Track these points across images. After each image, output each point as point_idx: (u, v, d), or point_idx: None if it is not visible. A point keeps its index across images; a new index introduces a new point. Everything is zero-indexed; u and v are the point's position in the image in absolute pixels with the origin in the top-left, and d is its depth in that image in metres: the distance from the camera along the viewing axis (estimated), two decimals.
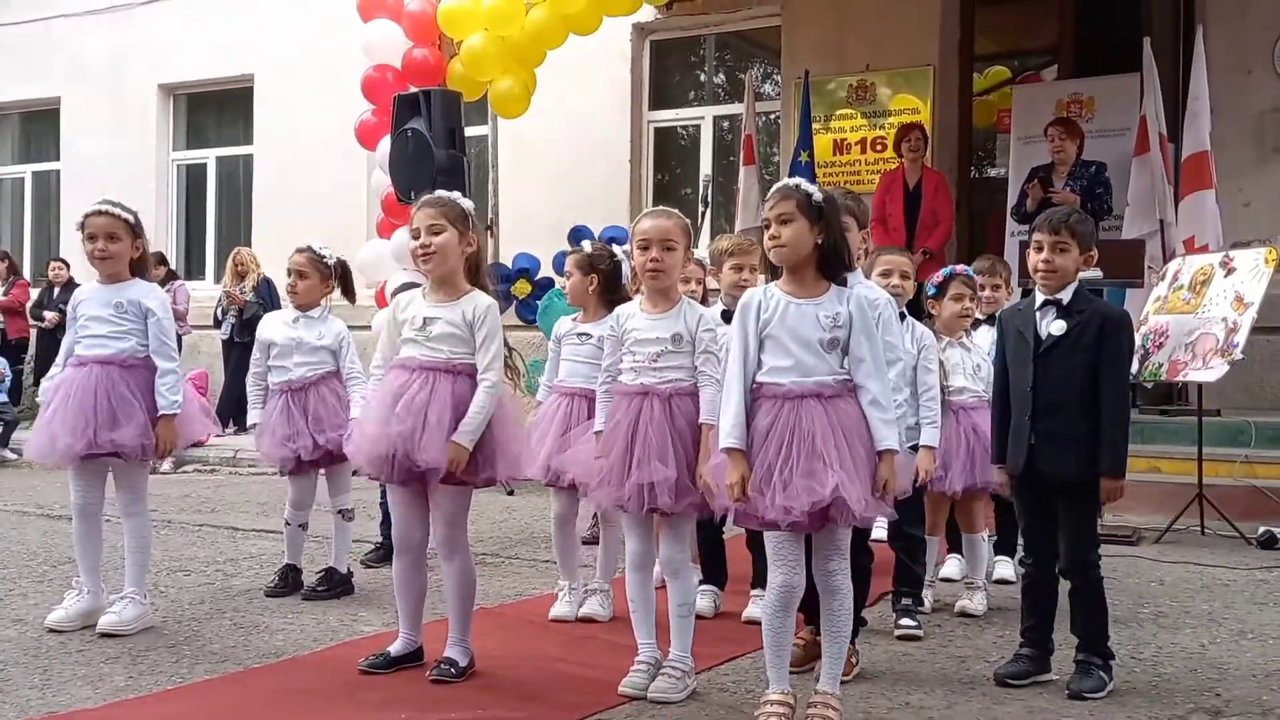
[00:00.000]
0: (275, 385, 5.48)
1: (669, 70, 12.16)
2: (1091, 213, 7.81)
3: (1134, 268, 7.50)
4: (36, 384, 12.43)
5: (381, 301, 8.95)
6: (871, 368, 3.51)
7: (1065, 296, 4.08)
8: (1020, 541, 4.58)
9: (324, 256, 5.55)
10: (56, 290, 12.58)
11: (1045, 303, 4.11)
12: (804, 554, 3.60)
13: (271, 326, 5.61)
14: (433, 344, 4.03)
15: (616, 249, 5.03)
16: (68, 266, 12.69)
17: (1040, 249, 4.10)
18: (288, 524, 5.60)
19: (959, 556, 5.56)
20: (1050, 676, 4.11)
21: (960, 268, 5.22)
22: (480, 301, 4.09)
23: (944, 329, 5.12)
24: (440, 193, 4.19)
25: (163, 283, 11.86)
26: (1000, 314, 4.37)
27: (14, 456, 10.81)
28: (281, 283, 5.88)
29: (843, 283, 3.60)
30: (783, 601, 3.59)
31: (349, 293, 5.71)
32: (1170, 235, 8.49)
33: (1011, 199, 9.33)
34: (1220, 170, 8.39)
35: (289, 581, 5.49)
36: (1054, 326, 4.06)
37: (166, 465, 10.11)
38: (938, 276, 5.26)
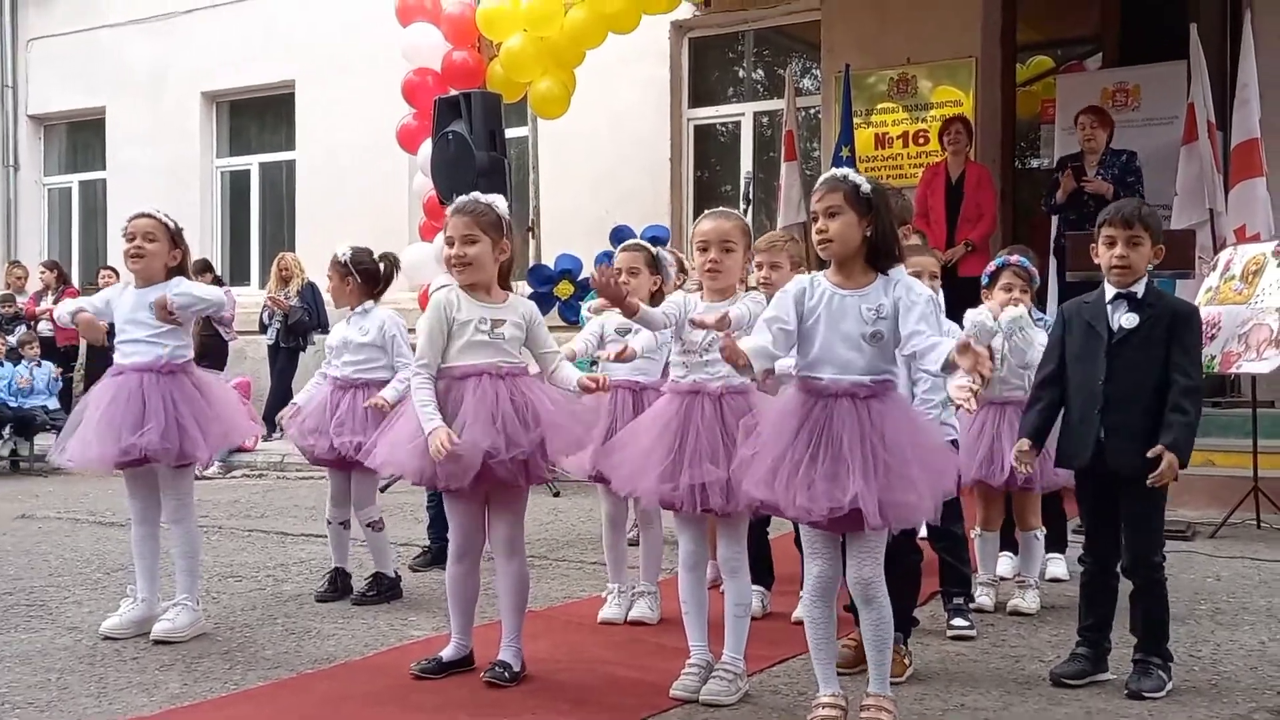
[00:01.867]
0: (324, 380, 5.54)
1: (708, 67, 12.13)
2: None
3: (1184, 258, 7.37)
4: (85, 391, 12.61)
5: (425, 304, 8.99)
6: (926, 326, 3.40)
7: (1139, 290, 4.02)
8: (1073, 539, 4.51)
9: (340, 257, 5.54)
10: None
11: (1117, 296, 4.03)
12: (840, 545, 3.56)
13: (334, 329, 5.69)
14: (508, 346, 4.06)
15: (664, 253, 5.05)
16: (117, 275, 12.81)
17: (1113, 243, 4.02)
18: (329, 523, 5.63)
19: (1010, 554, 5.50)
20: (1107, 676, 4.05)
21: (1014, 258, 5.14)
22: (527, 303, 4.21)
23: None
24: (476, 196, 4.16)
25: None
26: (1063, 307, 4.28)
27: (70, 464, 10.91)
28: (326, 287, 5.89)
29: (886, 273, 3.55)
30: (820, 590, 3.56)
31: (384, 287, 5.65)
32: (1220, 224, 8.37)
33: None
34: (1270, 157, 8.24)
35: (338, 586, 5.51)
36: (1126, 320, 3.99)
37: (214, 470, 10.18)
38: (991, 267, 5.21)
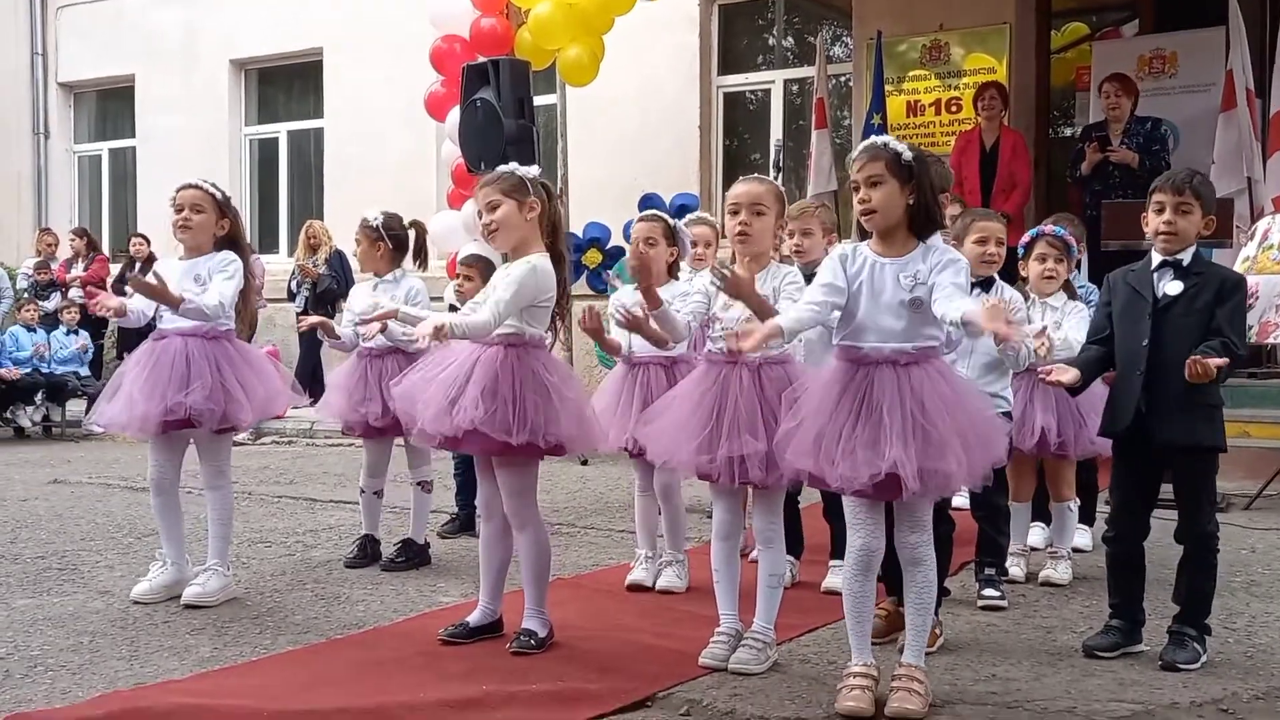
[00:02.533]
0: (360, 350, 5.52)
1: (737, 34, 12.02)
2: (1150, 170, 7.63)
3: (1222, 227, 7.27)
4: (119, 358, 12.68)
5: (453, 273, 8.97)
6: (954, 287, 3.38)
7: (1185, 258, 3.95)
8: (1101, 511, 4.46)
9: (371, 221, 5.54)
10: (138, 265, 12.77)
11: (1163, 263, 3.97)
12: (884, 518, 3.55)
13: (356, 294, 5.70)
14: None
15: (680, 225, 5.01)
16: (148, 242, 12.87)
17: (1162, 210, 3.95)
18: (363, 492, 5.64)
19: (1042, 525, 5.46)
20: (1141, 647, 4.01)
21: (1049, 228, 5.06)
22: (522, 261, 4.02)
23: (1033, 290, 5.02)
24: (498, 169, 4.15)
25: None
26: (1109, 276, 4.20)
27: (99, 430, 11.01)
28: (354, 254, 5.89)
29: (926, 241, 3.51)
30: (862, 564, 3.54)
31: (417, 255, 5.64)
32: (1258, 193, 8.27)
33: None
34: None
35: (368, 552, 5.53)
36: (1171, 286, 3.93)
37: (244, 435, 10.23)
38: (1026, 237, 5.14)
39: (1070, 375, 3.94)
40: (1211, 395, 3.92)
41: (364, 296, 5.58)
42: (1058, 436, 4.89)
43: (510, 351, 3.97)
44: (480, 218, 4.10)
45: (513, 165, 4.15)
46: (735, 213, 3.94)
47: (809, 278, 3.84)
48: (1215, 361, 3.71)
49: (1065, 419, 4.89)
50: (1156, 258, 4.00)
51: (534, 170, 4.13)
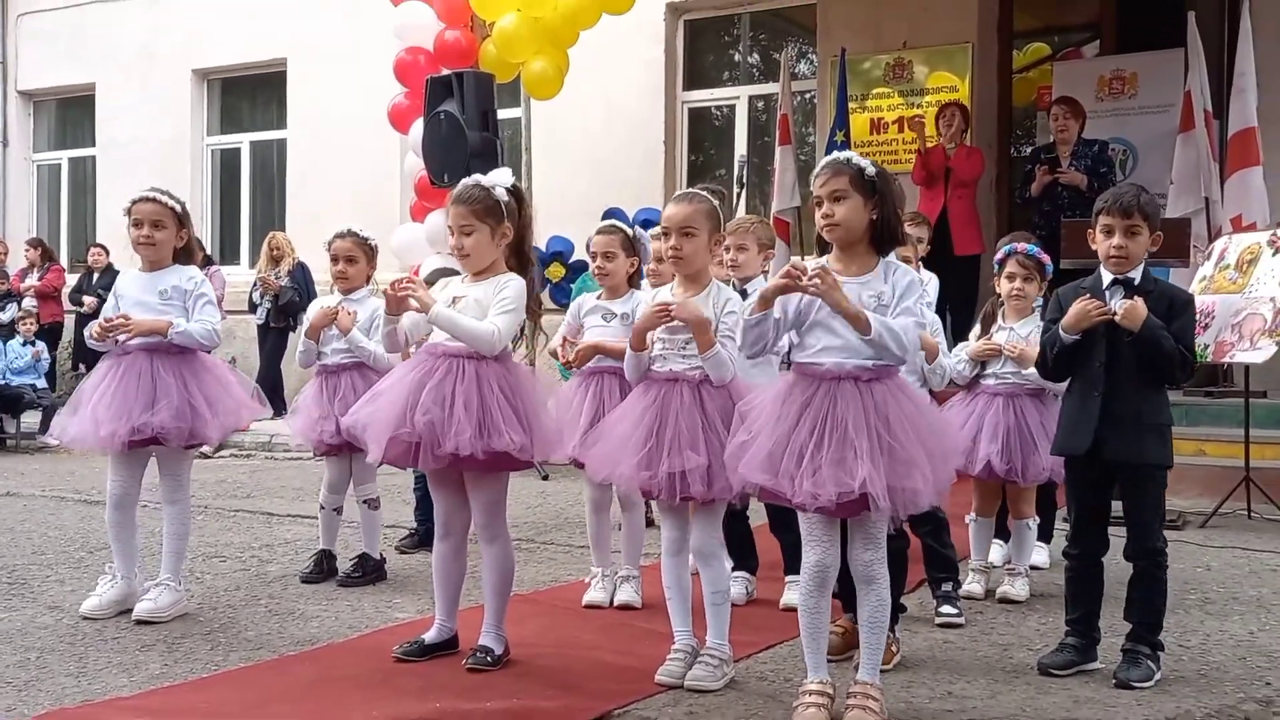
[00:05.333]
0: (317, 368, 5.48)
1: (703, 50, 12.05)
2: (1099, 191, 7.69)
3: (1179, 247, 7.35)
4: (75, 369, 12.54)
5: None
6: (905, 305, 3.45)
7: (1135, 276, 3.98)
8: (1059, 528, 4.48)
9: (368, 239, 5.55)
10: (96, 275, 12.66)
11: (1114, 281, 4.00)
12: (839, 533, 3.54)
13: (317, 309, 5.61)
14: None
15: (641, 232, 5.00)
16: (107, 252, 12.75)
17: (1111, 233, 3.98)
18: (322, 508, 5.59)
19: (1000, 542, 5.48)
20: (1096, 665, 4.03)
21: (1021, 246, 5.04)
22: (509, 279, 4.03)
23: (1004, 308, 5.04)
24: (477, 180, 4.08)
25: (199, 268, 11.91)
26: (1059, 291, 4.22)
27: (54, 442, 10.86)
28: (316, 267, 5.84)
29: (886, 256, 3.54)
30: (817, 581, 3.54)
31: None
32: (1216, 214, 8.35)
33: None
34: (1266, 146, 8.22)
35: (324, 568, 5.47)
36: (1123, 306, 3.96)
37: (208, 448, 10.10)
38: (1000, 253, 5.12)
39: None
40: (1163, 414, 3.97)
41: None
42: (1004, 464, 4.87)
43: (495, 365, 3.96)
44: (451, 235, 4.06)
45: (494, 179, 4.08)
46: (667, 236, 3.95)
47: (744, 294, 3.86)
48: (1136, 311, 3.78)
49: (1013, 447, 4.88)
50: (1107, 276, 4.03)
51: (507, 178, 4.09)
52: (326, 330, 5.40)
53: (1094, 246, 4.06)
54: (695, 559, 4.00)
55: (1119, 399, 3.91)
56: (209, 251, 12.97)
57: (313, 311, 5.57)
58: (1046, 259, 5.06)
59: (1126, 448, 3.90)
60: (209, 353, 4.88)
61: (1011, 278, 5.00)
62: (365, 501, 5.55)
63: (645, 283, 5.01)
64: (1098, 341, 3.97)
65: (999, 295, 5.08)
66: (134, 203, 4.77)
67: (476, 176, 4.12)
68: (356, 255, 5.49)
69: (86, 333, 4.82)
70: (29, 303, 12.50)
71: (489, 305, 3.97)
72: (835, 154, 3.61)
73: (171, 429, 4.59)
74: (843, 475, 3.30)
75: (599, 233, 4.95)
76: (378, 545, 5.55)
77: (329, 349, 5.43)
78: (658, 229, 5.77)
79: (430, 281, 5.39)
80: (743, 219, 4.96)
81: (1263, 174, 8.14)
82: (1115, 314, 3.88)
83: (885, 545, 3.54)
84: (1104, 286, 4.02)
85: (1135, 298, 3.86)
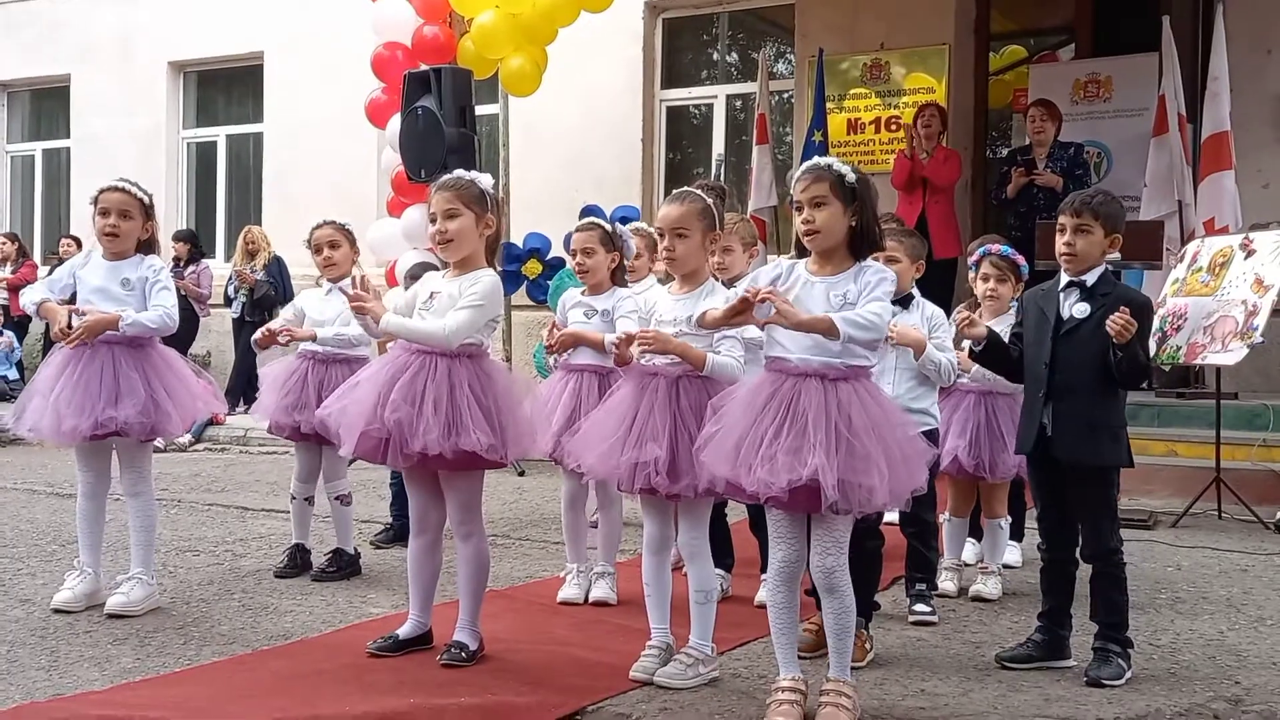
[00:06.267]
0: (300, 352, 5.45)
1: (681, 49, 12.06)
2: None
3: (1152, 249, 7.43)
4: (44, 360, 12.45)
5: (392, 281, 8.90)
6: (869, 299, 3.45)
7: (1090, 279, 4.01)
8: (1030, 526, 4.52)
9: (347, 225, 5.57)
10: None
11: (1069, 284, 4.04)
12: (805, 532, 3.55)
13: (309, 299, 5.61)
14: (435, 317, 3.97)
15: (621, 227, 4.99)
16: (78, 244, 12.64)
17: (1063, 231, 4.02)
18: (294, 498, 5.58)
19: (973, 540, 5.51)
20: (1068, 663, 4.05)
21: (995, 247, 5.07)
22: (483, 275, 4.01)
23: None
24: (459, 173, 4.09)
25: (188, 262, 11.86)
26: (1024, 294, 4.28)
27: (34, 436, 10.79)
28: (292, 261, 5.83)
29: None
30: (784, 576, 3.56)
31: None
32: (1189, 216, 8.41)
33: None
34: (1239, 151, 8.29)
35: (297, 562, 5.46)
36: (1077, 309, 3.99)
37: (185, 439, 10.05)
38: (975, 255, 5.16)
39: (980, 330, 4.06)
40: (1115, 417, 4.00)
41: (316, 303, 5.52)
42: (972, 460, 4.92)
43: (468, 363, 3.95)
44: (434, 222, 4.02)
45: (473, 174, 4.09)
46: (661, 237, 3.97)
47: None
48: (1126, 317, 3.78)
49: (981, 443, 4.93)
50: (1064, 278, 4.07)
51: (489, 180, 4.10)
52: (320, 317, 5.43)
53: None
54: (683, 555, 4.02)
55: (1066, 400, 3.95)
56: (199, 245, 12.80)
57: (304, 299, 5.58)
58: (1021, 259, 5.09)
59: (1075, 448, 3.94)
60: (165, 339, 4.81)
61: (986, 278, 5.04)
62: (337, 498, 5.52)
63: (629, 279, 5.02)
64: (1044, 341, 4.01)
65: (975, 296, 5.12)
66: (101, 192, 4.74)
67: (458, 171, 4.13)
68: (339, 240, 5.50)
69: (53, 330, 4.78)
70: None
71: (459, 299, 3.97)
72: (816, 159, 3.62)
73: (135, 423, 4.58)
74: (795, 463, 3.30)
75: (578, 229, 4.96)
76: (351, 540, 5.53)
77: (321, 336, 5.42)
78: (633, 225, 5.81)
79: (415, 275, 5.42)
80: (726, 219, 4.98)
81: (1235, 178, 8.21)
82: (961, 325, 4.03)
83: (847, 552, 3.52)
84: (1060, 289, 4.06)
85: (1124, 309, 3.84)
